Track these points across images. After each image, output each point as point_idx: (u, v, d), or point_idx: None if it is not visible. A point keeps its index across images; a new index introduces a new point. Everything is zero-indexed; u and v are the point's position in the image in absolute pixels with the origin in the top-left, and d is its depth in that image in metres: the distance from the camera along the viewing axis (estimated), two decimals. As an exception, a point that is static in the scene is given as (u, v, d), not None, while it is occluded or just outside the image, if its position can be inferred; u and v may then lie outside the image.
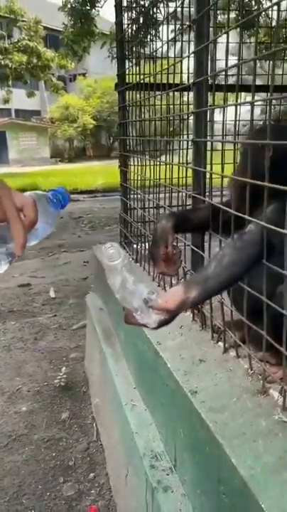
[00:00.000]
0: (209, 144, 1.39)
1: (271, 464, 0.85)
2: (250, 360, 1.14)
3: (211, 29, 1.60)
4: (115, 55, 2.65)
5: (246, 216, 1.01)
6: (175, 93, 1.82)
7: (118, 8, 2.33)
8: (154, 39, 2.23)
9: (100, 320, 2.48)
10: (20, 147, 25.50)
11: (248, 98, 1.02)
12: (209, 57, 1.32)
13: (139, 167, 2.13)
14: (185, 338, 1.42)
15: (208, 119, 1.38)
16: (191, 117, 1.47)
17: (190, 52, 1.37)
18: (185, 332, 1.46)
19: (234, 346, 1.25)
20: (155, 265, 1.22)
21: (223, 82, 1.26)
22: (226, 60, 1.10)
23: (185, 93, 1.99)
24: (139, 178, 2.15)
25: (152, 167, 1.92)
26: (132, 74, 2.27)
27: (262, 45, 4.52)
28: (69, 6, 10.07)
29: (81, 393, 2.70)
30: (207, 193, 1.38)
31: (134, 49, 2.26)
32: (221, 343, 1.30)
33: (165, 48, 1.89)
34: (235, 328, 1.26)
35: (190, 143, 1.49)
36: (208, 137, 1.40)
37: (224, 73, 1.17)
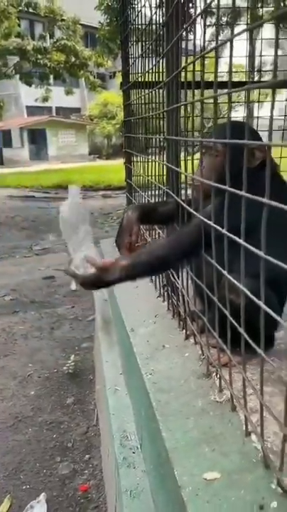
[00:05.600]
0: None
1: (195, 438, 0.92)
2: (201, 346, 1.20)
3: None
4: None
5: (191, 210, 1.07)
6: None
7: (121, 9, 2.40)
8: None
9: (103, 309, 2.58)
10: (59, 144, 26.07)
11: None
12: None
13: (136, 164, 2.21)
14: (157, 325, 1.50)
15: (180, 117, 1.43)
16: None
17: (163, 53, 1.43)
18: (158, 320, 1.53)
19: (193, 334, 1.31)
20: (120, 253, 1.30)
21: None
22: (197, 57, 1.16)
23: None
24: (136, 175, 2.22)
25: (145, 164, 2.00)
26: (134, 73, 2.34)
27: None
28: (105, 4, 10.24)
29: (87, 380, 2.82)
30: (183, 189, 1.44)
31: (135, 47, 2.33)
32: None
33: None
34: (198, 316, 1.32)
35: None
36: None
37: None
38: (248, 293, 0.79)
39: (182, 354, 1.26)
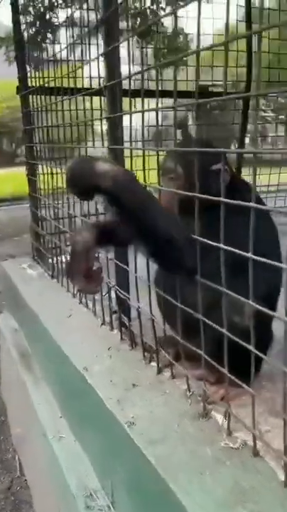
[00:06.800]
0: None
1: (222, 499, 0.78)
2: (187, 380, 1.07)
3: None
4: (11, 59, 2.47)
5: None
6: (80, 98, 1.72)
7: (15, 8, 2.17)
8: (55, 42, 2.12)
9: (16, 341, 2.28)
10: None
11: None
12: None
13: (49, 175, 1.99)
14: (114, 360, 1.32)
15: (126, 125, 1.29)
16: (104, 123, 1.37)
17: (99, 54, 1.27)
18: (114, 353, 1.35)
19: (168, 366, 1.17)
20: (74, 282, 1.10)
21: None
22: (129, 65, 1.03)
23: (89, 98, 1.90)
24: (49, 187, 2.01)
25: (62, 175, 1.80)
26: (35, 77, 2.12)
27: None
28: None
29: (-1, 424, 2.47)
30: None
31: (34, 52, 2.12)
32: (154, 363, 1.22)
33: (67, 51, 1.78)
34: (168, 344, 1.19)
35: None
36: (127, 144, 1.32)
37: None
38: (261, 307, 0.69)
39: (161, 392, 1.11)
